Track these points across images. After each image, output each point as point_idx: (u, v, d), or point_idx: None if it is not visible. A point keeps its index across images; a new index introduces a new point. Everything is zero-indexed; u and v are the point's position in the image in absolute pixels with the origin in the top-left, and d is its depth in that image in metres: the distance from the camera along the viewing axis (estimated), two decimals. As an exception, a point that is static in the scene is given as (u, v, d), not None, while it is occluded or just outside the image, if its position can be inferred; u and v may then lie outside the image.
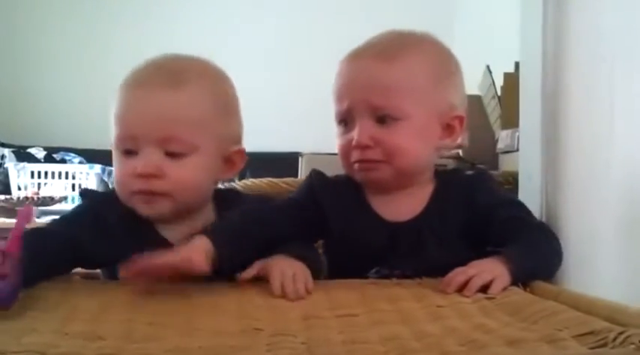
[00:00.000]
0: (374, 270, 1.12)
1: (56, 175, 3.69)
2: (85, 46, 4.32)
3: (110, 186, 3.79)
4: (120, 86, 1.07)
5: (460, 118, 1.14)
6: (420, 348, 0.73)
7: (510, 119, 2.14)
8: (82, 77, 4.24)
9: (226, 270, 1.00)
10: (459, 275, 0.96)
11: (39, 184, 3.61)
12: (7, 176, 3.71)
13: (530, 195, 1.42)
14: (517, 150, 1.94)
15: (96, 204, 1.10)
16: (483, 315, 0.85)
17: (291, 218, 1.13)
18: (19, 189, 3.64)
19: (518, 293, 0.95)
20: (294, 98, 4.23)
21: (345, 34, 4.59)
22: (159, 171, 1.03)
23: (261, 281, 1.00)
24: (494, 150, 2.34)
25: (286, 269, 0.97)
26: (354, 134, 1.10)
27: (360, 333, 0.78)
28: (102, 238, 1.04)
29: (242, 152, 1.13)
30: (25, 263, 0.87)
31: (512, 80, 2.22)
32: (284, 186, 1.61)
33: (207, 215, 1.13)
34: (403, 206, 1.14)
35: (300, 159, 2.98)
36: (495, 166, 2.29)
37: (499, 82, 2.41)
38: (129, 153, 1.05)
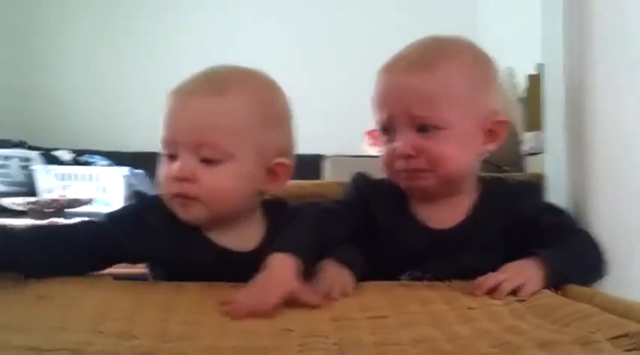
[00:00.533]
0: (407, 273, 1.13)
1: (82, 178, 3.73)
2: (113, 48, 4.36)
3: (137, 188, 3.83)
4: (168, 94, 1.10)
5: (503, 123, 1.14)
6: (452, 350, 0.73)
7: (535, 121, 2.13)
8: (108, 79, 4.27)
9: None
10: (489, 279, 0.96)
11: (65, 186, 3.65)
12: (34, 178, 3.75)
13: (556, 198, 1.41)
14: (542, 152, 1.94)
15: (140, 206, 1.12)
16: (514, 318, 0.85)
17: (346, 222, 1.14)
18: (47, 191, 3.68)
19: (549, 296, 0.95)
20: (317, 100, 4.23)
21: (369, 36, 4.61)
22: (192, 175, 1.05)
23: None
24: (518, 153, 2.33)
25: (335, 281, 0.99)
26: (397, 144, 1.10)
27: (391, 335, 0.79)
28: (141, 238, 1.06)
29: (286, 165, 1.12)
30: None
31: (535, 82, 2.21)
32: (311, 188, 1.62)
33: (256, 223, 1.15)
34: (446, 213, 1.15)
35: (323, 161, 2.98)
36: (520, 168, 2.28)
37: (523, 84, 2.40)
38: (170, 157, 1.08)
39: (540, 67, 2.16)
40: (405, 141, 1.10)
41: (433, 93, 1.09)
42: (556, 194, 1.44)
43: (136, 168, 3.75)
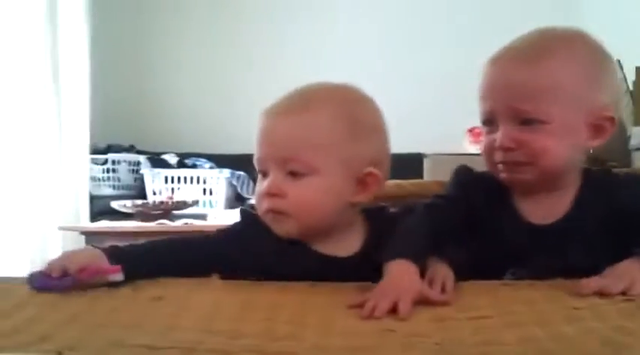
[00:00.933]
0: (510, 271, 1.12)
1: (188, 180, 3.84)
2: (217, 55, 4.46)
3: (238, 189, 3.91)
4: (260, 113, 1.13)
5: (611, 119, 1.10)
6: (558, 349, 0.72)
7: (644, 115, 2.06)
8: (212, 85, 4.39)
9: None
10: (591, 282, 0.94)
11: (172, 189, 3.76)
12: (143, 181, 3.89)
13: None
14: (652, 146, 1.87)
15: (246, 222, 1.16)
16: (622, 317, 0.83)
17: (451, 216, 1.14)
18: (154, 194, 3.80)
19: (658, 295, 0.92)
20: (416, 98, 4.22)
21: (469, 32, 4.55)
22: (280, 191, 1.08)
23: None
24: (626, 147, 2.26)
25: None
26: (497, 135, 1.10)
27: (493, 335, 0.78)
28: (248, 253, 1.11)
29: (375, 175, 1.12)
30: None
31: (645, 74, 2.14)
32: (410, 188, 1.62)
33: (355, 231, 1.16)
34: (547, 208, 1.13)
35: (424, 160, 2.97)
36: (628, 163, 2.21)
37: (631, 76, 2.32)
38: (263, 174, 1.11)
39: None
40: (505, 133, 1.09)
41: (537, 87, 1.07)
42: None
43: (238, 170, 3.83)
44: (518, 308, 0.89)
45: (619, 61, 2.43)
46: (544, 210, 1.13)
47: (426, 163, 2.85)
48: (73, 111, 3.84)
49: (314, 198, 1.08)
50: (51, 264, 1.03)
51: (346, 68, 4.33)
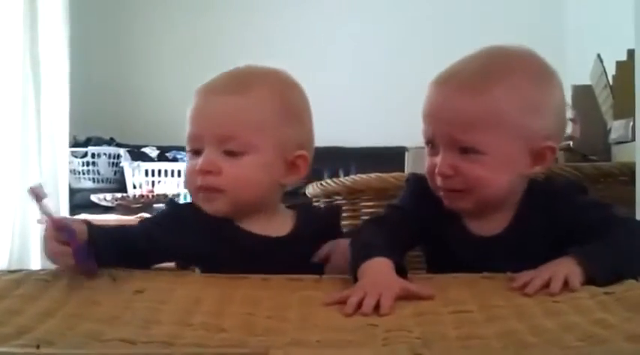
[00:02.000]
0: None
1: (169, 173, 3.82)
2: (195, 46, 4.45)
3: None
4: (194, 92, 1.15)
5: (552, 149, 1.10)
6: (538, 343, 0.72)
7: (623, 109, 2.07)
8: (193, 79, 4.36)
9: None
10: (535, 279, 0.93)
11: (153, 182, 3.75)
12: (123, 175, 3.87)
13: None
14: (632, 140, 1.88)
15: (176, 209, 1.18)
16: (602, 310, 0.83)
17: (402, 230, 1.14)
18: (134, 187, 3.78)
19: (637, 288, 0.92)
20: (399, 92, 4.22)
21: (449, 25, 4.55)
22: (216, 168, 1.09)
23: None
24: (606, 141, 2.27)
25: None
26: (437, 160, 1.10)
27: (475, 329, 0.79)
28: (178, 237, 1.10)
29: (305, 157, 1.15)
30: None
31: (625, 69, 2.15)
32: (392, 180, 1.62)
33: (283, 214, 1.19)
34: (492, 222, 1.13)
35: (405, 153, 2.97)
36: (608, 157, 2.22)
37: (611, 71, 2.33)
38: (195, 152, 1.12)
39: (631, 53, 2.10)
40: (443, 160, 1.09)
41: (476, 118, 1.06)
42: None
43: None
44: (498, 301, 0.89)
45: (599, 56, 2.44)
46: (489, 224, 1.13)
47: (408, 157, 2.85)
48: (52, 104, 3.81)
49: (250, 175, 1.10)
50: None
51: (329, 65, 4.36)
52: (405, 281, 0.96)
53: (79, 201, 3.75)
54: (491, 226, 1.13)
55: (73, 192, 3.87)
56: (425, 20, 4.37)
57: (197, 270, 1.08)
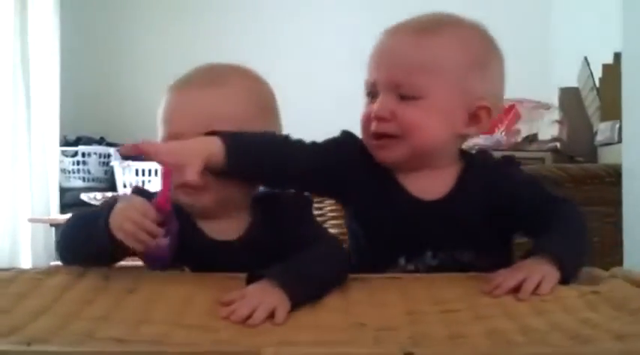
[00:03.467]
0: (402, 259, 1.11)
1: (159, 173, 3.80)
2: (186, 46, 4.44)
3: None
4: (167, 89, 1.13)
5: (487, 109, 1.10)
6: (526, 342, 0.73)
7: (610, 111, 2.09)
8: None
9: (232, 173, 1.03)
10: (508, 279, 0.93)
11: (143, 181, 3.73)
12: (113, 174, 3.85)
13: (635, 188, 1.39)
14: (618, 142, 1.90)
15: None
16: (589, 309, 0.84)
17: (312, 161, 1.11)
18: (125, 186, 3.77)
19: (624, 287, 0.93)
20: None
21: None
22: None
23: (363, 278, 1.03)
24: (592, 143, 2.29)
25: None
26: (375, 106, 1.09)
27: (463, 328, 0.79)
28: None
29: None
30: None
31: (611, 71, 2.17)
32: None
33: (244, 217, 1.13)
34: (430, 184, 1.11)
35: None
36: (594, 159, 2.24)
37: (597, 73, 2.35)
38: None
39: (618, 56, 2.12)
40: (382, 103, 1.08)
41: (417, 61, 1.07)
42: (633, 184, 1.41)
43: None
44: (485, 300, 0.90)
45: (586, 59, 2.46)
46: (426, 187, 1.11)
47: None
48: (43, 103, 3.80)
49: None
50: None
51: (329, 63, 4.35)
52: (192, 169, 0.97)
53: (69, 200, 3.73)
54: (430, 188, 1.11)
55: (63, 191, 3.86)
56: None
57: (187, 269, 1.08)
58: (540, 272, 0.94)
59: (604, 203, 1.54)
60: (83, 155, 3.95)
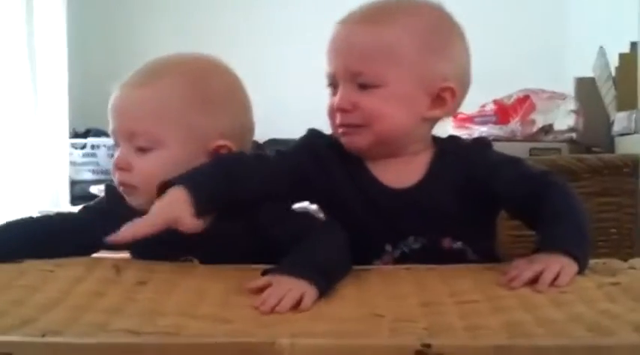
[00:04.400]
0: (389, 246, 1.11)
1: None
2: (196, 38, 4.44)
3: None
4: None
5: (451, 90, 1.10)
6: (545, 334, 0.72)
7: (627, 101, 2.08)
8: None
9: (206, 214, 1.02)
10: (525, 271, 0.92)
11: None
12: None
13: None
14: (635, 132, 1.88)
15: (110, 199, 1.17)
16: (608, 300, 0.83)
17: (274, 174, 1.10)
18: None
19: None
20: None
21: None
22: (127, 164, 1.08)
23: (378, 269, 1.04)
24: (609, 133, 2.27)
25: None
26: (336, 98, 1.09)
27: (481, 319, 0.78)
28: (111, 229, 1.04)
29: (228, 147, 1.11)
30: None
31: (628, 61, 2.16)
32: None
33: None
34: (401, 172, 1.11)
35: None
36: (611, 149, 2.23)
37: (613, 63, 2.33)
38: (117, 146, 1.12)
39: (634, 45, 2.10)
40: (341, 95, 1.08)
41: (372, 50, 1.07)
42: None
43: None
44: (503, 292, 0.89)
45: (602, 48, 2.44)
46: (398, 175, 1.11)
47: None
48: (51, 95, 3.80)
49: (159, 172, 1.05)
50: None
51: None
52: (188, 218, 0.97)
53: (79, 193, 3.74)
54: (401, 177, 1.11)
55: (72, 183, 3.87)
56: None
57: (196, 261, 1.08)
58: (558, 263, 0.92)
59: (621, 193, 1.53)
60: (92, 147, 3.95)
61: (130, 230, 0.96)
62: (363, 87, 1.07)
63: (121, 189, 1.11)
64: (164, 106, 1.08)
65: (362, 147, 1.10)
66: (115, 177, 1.10)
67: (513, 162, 1.13)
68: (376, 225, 1.11)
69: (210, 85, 1.13)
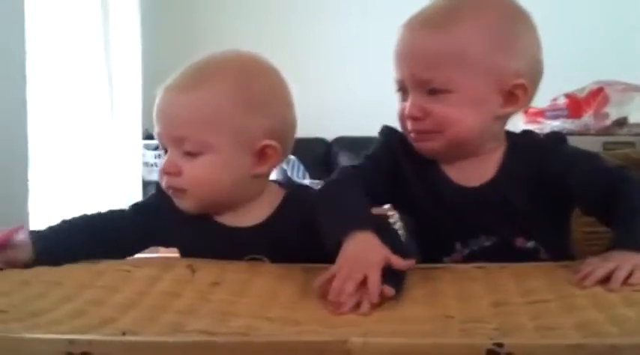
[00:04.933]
0: (458, 244, 1.11)
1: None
2: (263, 42, 4.49)
3: (289, 173, 3.92)
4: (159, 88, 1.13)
5: (523, 86, 1.07)
6: (619, 333, 0.71)
7: None
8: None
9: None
10: (598, 269, 0.90)
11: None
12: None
13: None
14: None
15: (160, 199, 1.16)
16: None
17: (374, 180, 1.11)
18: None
19: None
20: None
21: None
22: (175, 168, 1.09)
23: (448, 268, 1.03)
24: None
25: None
26: (406, 105, 1.08)
27: (553, 319, 0.78)
28: (164, 224, 1.15)
29: (274, 147, 1.11)
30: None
31: None
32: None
33: (261, 203, 1.15)
34: (473, 172, 1.10)
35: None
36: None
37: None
38: (165, 150, 1.12)
39: None
40: (412, 102, 1.07)
41: (441, 55, 1.05)
42: None
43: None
44: (575, 290, 0.88)
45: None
46: (470, 174, 1.10)
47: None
48: (125, 96, 3.89)
49: (209, 176, 1.08)
50: None
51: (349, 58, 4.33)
52: (389, 251, 0.93)
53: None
54: (474, 175, 1.10)
55: (145, 184, 3.95)
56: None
57: (266, 260, 1.10)
58: (632, 261, 0.90)
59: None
60: (165, 148, 4.03)
61: None
62: (434, 93, 1.06)
63: (170, 192, 1.12)
64: (211, 111, 1.08)
65: (435, 151, 1.10)
66: (164, 182, 1.12)
67: (589, 156, 1.11)
68: (447, 223, 1.11)
69: (254, 85, 1.12)
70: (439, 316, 0.81)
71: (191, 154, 1.08)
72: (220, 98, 1.09)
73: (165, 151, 1.12)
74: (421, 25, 1.09)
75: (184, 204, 1.11)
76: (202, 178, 1.08)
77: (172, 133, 1.09)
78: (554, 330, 0.74)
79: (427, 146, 1.09)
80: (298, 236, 1.08)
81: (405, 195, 1.14)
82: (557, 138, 1.16)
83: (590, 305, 0.82)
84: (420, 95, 1.07)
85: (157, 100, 1.12)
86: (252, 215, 1.13)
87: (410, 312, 0.84)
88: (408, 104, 1.08)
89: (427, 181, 1.12)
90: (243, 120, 1.09)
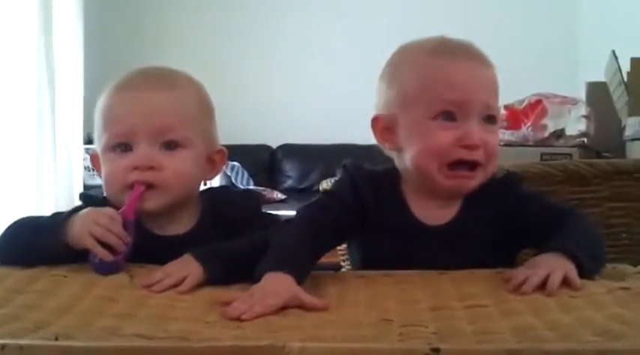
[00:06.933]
0: None
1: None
2: (207, 43, 4.46)
3: (233, 179, 3.90)
4: (109, 90, 1.11)
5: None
6: (554, 338, 0.72)
7: (638, 105, 2.07)
8: (202, 75, 4.39)
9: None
10: (532, 276, 0.92)
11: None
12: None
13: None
14: (647, 137, 1.88)
15: (87, 206, 1.12)
16: (618, 306, 0.83)
17: (334, 219, 1.11)
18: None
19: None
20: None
21: (458, 21, 4.56)
22: (157, 163, 1.06)
23: (389, 273, 1.03)
24: (620, 138, 2.26)
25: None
26: (463, 132, 1.05)
27: (490, 324, 0.79)
28: None
29: (223, 152, 1.16)
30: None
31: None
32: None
33: (193, 213, 1.14)
34: (438, 210, 1.11)
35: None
36: (622, 154, 2.21)
37: (625, 67, 2.32)
38: (123, 149, 1.08)
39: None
40: (476, 130, 1.05)
41: (496, 87, 1.10)
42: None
43: (232, 160, 3.81)
44: (512, 296, 0.89)
45: (613, 52, 2.43)
46: (436, 212, 1.11)
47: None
48: (66, 101, 3.83)
49: (189, 170, 1.09)
50: None
51: (339, 63, 4.36)
52: (301, 290, 0.91)
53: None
54: (439, 215, 1.11)
55: (86, 188, 3.90)
56: (436, 13, 4.37)
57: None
58: (561, 266, 0.93)
59: (633, 199, 1.52)
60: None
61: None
62: (488, 121, 1.07)
63: (141, 189, 1.06)
64: (189, 109, 1.10)
65: (470, 189, 1.09)
66: (130, 177, 1.06)
67: (541, 196, 1.14)
68: (407, 260, 1.09)
69: (206, 95, 1.17)
70: (379, 320, 0.81)
71: (171, 147, 1.07)
72: (192, 100, 1.12)
73: (125, 150, 1.08)
74: (470, 57, 1.09)
75: (152, 202, 1.07)
76: (184, 171, 1.08)
77: (155, 123, 1.07)
78: (491, 335, 0.75)
79: (466, 185, 1.08)
80: (228, 236, 1.09)
81: (364, 231, 1.13)
82: (513, 178, 1.18)
83: (526, 310, 0.83)
84: (480, 124, 1.06)
85: (112, 100, 1.09)
86: (182, 222, 1.12)
87: (352, 316, 0.84)
88: (469, 132, 1.05)
89: (392, 218, 1.11)
90: (206, 124, 1.13)
